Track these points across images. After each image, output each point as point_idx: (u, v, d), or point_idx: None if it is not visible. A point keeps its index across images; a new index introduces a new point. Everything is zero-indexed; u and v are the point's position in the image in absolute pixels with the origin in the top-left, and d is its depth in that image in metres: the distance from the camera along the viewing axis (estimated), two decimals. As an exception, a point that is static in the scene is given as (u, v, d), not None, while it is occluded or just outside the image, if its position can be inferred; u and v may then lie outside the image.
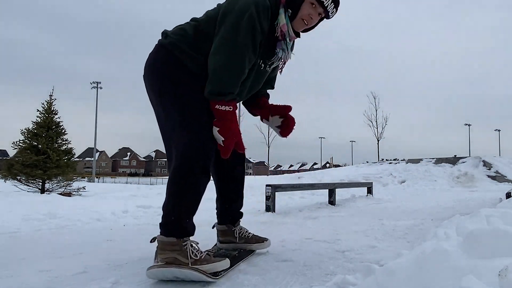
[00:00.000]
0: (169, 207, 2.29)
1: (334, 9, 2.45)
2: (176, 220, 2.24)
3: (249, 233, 3.05)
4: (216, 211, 3.07)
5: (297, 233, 4.28)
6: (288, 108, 2.84)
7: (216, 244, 3.11)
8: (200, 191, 2.33)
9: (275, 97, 3.13)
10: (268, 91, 3.03)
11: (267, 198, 7.89)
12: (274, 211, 7.71)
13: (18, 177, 15.64)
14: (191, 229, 2.33)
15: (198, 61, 2.36)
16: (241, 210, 3.10)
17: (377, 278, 1.61)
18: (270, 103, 2.96)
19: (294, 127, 2.86)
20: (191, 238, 2.33)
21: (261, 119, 2.89)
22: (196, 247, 2.28)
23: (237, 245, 2.97)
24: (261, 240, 3.04)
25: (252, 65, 2.45)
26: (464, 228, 1.92)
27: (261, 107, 2.90)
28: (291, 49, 2.68)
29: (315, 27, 2.54)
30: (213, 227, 3.10)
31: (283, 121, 2.84)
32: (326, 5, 2.40)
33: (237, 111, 2.57)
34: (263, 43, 2.42)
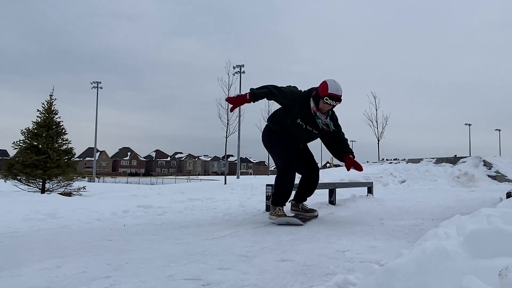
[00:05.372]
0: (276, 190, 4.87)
1: (337, 102, 4.52)
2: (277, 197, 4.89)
3: (307, 207, 5.56)
4: (294, 193, 5.42)
5: (297, 233, 4.27)
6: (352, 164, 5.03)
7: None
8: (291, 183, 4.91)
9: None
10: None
11: (267, 198, 7.89)
12: (274, 211, 7.73)
13: (18, 177, 15.63)
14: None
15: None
16: (307, 198, 5.57)
17: (378, 278, 1.61)
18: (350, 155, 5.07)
19: (351, 167, 4.97)
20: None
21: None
22: (282, 211, 4.77)
23: (299, 213, 5.34)
24: (312, 211, 5.53)
25: (297, 124, 4.67)
26: (464, 227, 1.91)
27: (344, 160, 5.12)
28: (327, 118, 4.73)
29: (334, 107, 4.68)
30: (289, 202, 5.26)
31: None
32: (332, 104, 4.53)
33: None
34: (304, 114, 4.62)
